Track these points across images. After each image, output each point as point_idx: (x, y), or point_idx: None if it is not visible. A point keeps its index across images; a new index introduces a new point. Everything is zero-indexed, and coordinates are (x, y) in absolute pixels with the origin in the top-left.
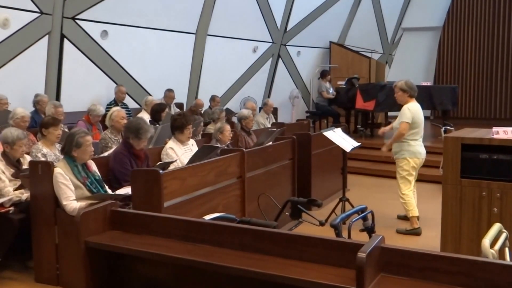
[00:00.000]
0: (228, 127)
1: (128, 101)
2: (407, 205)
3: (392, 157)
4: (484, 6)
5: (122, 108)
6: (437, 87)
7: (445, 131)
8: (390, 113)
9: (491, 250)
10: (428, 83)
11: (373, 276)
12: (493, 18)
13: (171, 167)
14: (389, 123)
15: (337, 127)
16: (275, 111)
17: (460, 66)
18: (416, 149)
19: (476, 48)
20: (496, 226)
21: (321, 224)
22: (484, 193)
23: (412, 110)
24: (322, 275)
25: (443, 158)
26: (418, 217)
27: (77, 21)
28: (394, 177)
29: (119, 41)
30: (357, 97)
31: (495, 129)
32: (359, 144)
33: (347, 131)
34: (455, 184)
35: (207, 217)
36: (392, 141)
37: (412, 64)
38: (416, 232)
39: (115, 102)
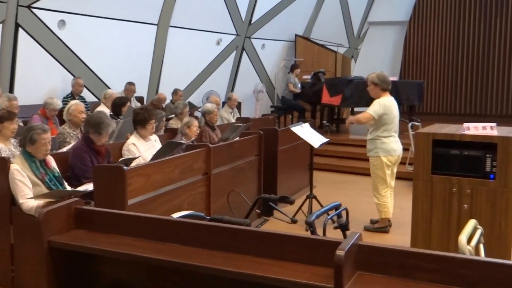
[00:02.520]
0: (195, 122)
1: (85, 94)
2: (381, 206)
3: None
4: (450, 0)
5: (80, 101)
6: (403, 82)
7: (412, 127)
8: (356, 109)
9: (468, 247)
10: (394, 78)
11: (351, 274)
12: (459, 13)
13: (134, 163)
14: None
15: (304, 122)
16: (239, 106)
17: (426, 61)
18: (390, 146)
19: (442, 42)
20: (472, 223)
21: (293, 221)
22: (454, 189)
23: (384, 105)
24: (299, 274)
25: (415, 154)
26: (389, 220)
27: (33, 9)
28: (362, 174)
29: (77, 32)
30: (323, 92)
31: (465, 124)
32: (328, 140)
33: (313, 126)
34: (426, 180)
35: (176, 215)
36: (354, 118)
37: (378, 59)
38: (384, 230)
39: (72, 95)
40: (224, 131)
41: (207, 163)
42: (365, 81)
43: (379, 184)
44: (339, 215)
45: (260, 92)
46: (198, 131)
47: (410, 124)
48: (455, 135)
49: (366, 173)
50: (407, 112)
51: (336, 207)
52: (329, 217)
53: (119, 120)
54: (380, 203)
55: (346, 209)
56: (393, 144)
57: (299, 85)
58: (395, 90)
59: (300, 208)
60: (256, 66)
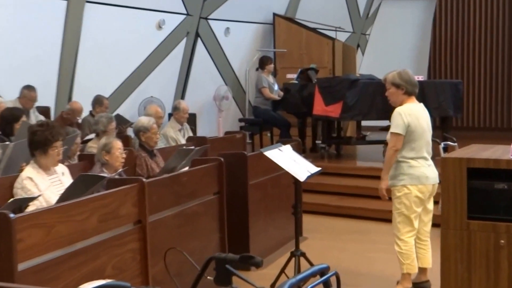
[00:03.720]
0: (118, 144)
1: None
2: (403, 256)
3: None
4: None
5: None
6: (433, 83)
7: (446, 149)
8: (364, 123)
9: None
10: (420, 77)
11: None
12: None
13: (30, 207)
14: (362, 136)
15: (285, 143)
16: (192, 120)
17: (466, 52)
18: (421, 172)
19: (490, 24)
20: None
21: None
22: (502, 241)
23: (407, 114)
24: None
25: (442, 189)
26: (426, 281)
27: None
28: (375, 218)
29: None
30: (316, 98)
31: None
32: (319, 169)
33: (301, 149)
34: (459, 228)
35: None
36: (385, 169)
37: (396, 49)
38: None
39: None
40: (169, 158)
41: (141, 206)
42: (377, 81)
43: (400, 226)
44: (326, 284)
45: (224, 100)
46: (124, 157)
47: (442, 145)
48: (501, 161)
49: (382, 217)
50: (439, 126)
51: (322, 272)
52: (310, 286)
53: (8, 143)
54: (402, 252)
55: (336, 274)
56: (425, 169)
57: (275, 88)
58: (421, 94)
59: (282, 271)
60: (217, 60)
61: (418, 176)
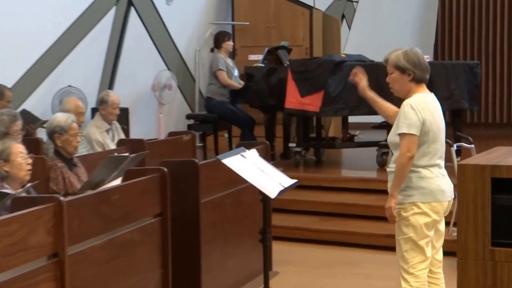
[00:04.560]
0: (18, 147)
1: None
2: None
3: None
4: None
5: None
6: (443, 65)
7: (459, 152)
8: (352, 119)
9: None
10: (426, 58)
11: None
12: None
13: None
14: (350, 137)
15: (249, 147)
16: (124, 117)
17: (483, 26)
18: (435, 185)
19: None
20: None
21: None
22: None
23: (421, 109)
24: None
25: (458, 206)
26: None
27: None
28: (366, 246)
29: None
30: (288, 87)
31: None
32: (295, 181)
33: (269, 154)
34: (481, 258)
35: None
36: (396, 183)
37: (393, 21)
38: None
39: None
40: (94, 169)
41: (58, 234)
42: (368, 64)
43: (408, 254)
44: None
45: (166, 89)
46: (30, 163)
47: (455, 147)
48: None
49: (377, 244)
50: (450, 122)
51: None
52: None
53: None
54: None
55: None
56: (441, 181)
57: (235, 73)
58: (429, 80)
59: None
60: (157, 37)
61: (432, 190)
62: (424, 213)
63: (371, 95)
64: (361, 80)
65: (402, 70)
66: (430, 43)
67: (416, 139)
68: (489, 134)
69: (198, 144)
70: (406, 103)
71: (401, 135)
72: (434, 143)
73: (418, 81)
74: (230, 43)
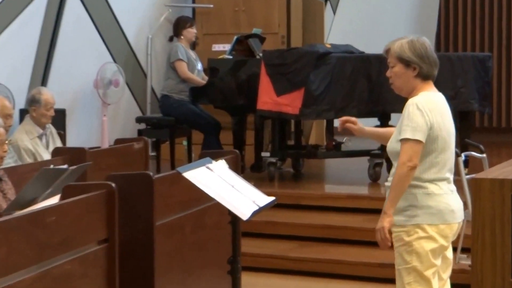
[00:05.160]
0: None
1: None
2: None
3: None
4: None
5: None
6: (448, 57)
7: (467, 162)
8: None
9: None
10: None
11: None
12: None
13: None
14: (336, 145)
15: (216, 157)
16: (60, 119)
17: (495, 12)
18: (444, 204)
19: None
20: None
21: None
22: None
23: (428, 110)
24: None
25: (473, 229)
26: None
27: None
28: (355, 278)
29: None
30: (262, 84)
31: None
32: (272, 199)
33: (239, 165)
34: None
35: None
36: (392, 199)
37: (386, 5)
38: None
39: None
40: (25, 183)
41: None
42: (358, 56)
43: None
44: None
45: (112, 86)
46: None
47: (463, 157)
48: None
49: (370, 275)
50: (456, 127)
51: None
52: None
53: None
54: None
55: None
56: (450, 199)
57: (198, 67)
58: None
59: None
60: (100, 22)
61: (441, 210)
62: (430, 238)
63: (370, 130)
64: (353, 123)
65: (406, 63)
66: (431, 31)
67: (421, 147)
68: (503, 141)
69: (151, 153)
70: (411, 102)
71: (404, 140)
72: (444, 153)
73: (424, 77)
74: (193, 30)
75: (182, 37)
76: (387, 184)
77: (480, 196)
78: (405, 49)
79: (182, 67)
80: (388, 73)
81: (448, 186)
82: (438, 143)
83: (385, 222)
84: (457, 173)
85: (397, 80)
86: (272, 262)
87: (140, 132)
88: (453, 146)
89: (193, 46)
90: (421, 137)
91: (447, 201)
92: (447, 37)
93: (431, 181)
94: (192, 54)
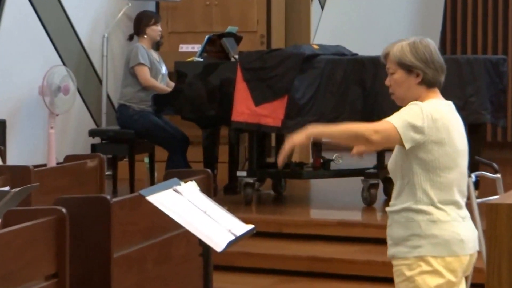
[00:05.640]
0: None
1: None
2: None
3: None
4: None
5: None
6: (456, 61)
7: (477, 183)
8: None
9: None
10: None
11: None
12: None
13: None
14: (324, 163)
15: (183, 176)
16: None
17: (510, 7)
18: (451, 232)
19: None
20: None
21: None
22: None
23: (431, 118)
24: None
25: (487, 264)
26: None
27: None
28: None
29: None
30: (238, 92)
31: None
32: (251, 227)
33: (212, 187)
34: None
35: None
36: (331, 131)
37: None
38: None
39: None
40: None
41: None
42: (350, 59)
43: None
44: None
45: (61, 94)
46: None
47: (473, 177)
48: None
49: None
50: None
51: None
52: None
53: None
54: None
55: None
56: (459, 227)
57: (163, 71)
58: None
59: None
60: (47, 19)
61: (448, 240)
62: (435, 272)
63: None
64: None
65: (408, 69)
66: (436, 29)
67: (396, 137)
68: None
69: (107, 172)
70: (414, 102)
71: (388, 120)
72: (449, 171)
73: (430, 84)
74: (157, 28)
75: (145, 36)
76: (388, 209)
77: (497, 224)
78: (407, 52)
79: (144, 73)
80: (387, 81)
81: (457, 212)
82: (440, 160)
83: (298, 134)
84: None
85: (398, 89)
86: None
87: (94, 148)
88: (463, 164)
89: (157, 46)
90: (401, 127)
91: (455, 230)
92: (454, 36)
93: (436, 205)
94: (156, 56)
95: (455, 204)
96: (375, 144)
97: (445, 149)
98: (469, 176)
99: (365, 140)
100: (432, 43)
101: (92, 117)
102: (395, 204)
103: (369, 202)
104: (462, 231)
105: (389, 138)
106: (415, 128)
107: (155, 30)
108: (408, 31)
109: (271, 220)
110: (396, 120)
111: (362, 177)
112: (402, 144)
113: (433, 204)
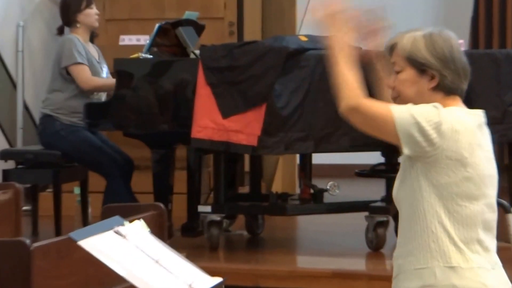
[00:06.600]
0: None
1: None
2: None
3: None
4: None
5: None
6: (491, 56)
7: None
8: (320, 159)
9: None
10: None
11: None
12: None
13: None
14: (315, 193)
15: (127, 213)
16: None
17: None
18: (475, 282)
19: None
20: None
21: None
22: None
23: (450, 128)
24: None
25: None
26: None
27: None
28: None
29: None
30: (199, 98)
31: None
32: (220, 280)
33: (166, 226)
34: None
35: None
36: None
37: None
38: None
39: None
40: None
41: None
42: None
43: None
44: None
45: None
46: None
47: None
48: None
49: None
50: (503, 164)
51: None
52: None
53: None
54: None
55: None
56: (487, 276)
57: (104, 72)
58: None
59: None
60: None
61: None
62: None
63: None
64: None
65: (420, 67)
66: (465, 17)
67: (389, 131)
68: None
69: (25, 207)
70: (432, 104)
71: (385, 105)
72: (473, 201)
73: (448, 90)
74: (93, 11)
75: (77, 25)
76: (394, 254)
77: None
78: (420, 46)
79: (84, 74)
80: (390, 82)
81: (485, 256)
82: (461, 186)
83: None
84: (503, 237)
85: (405, 91)
86: None
87: (6, 175)
88: (491, 194)
89: (91, 38)
90: (404, 129)
91: (481, 279)
92: (490, 25)
93: (456, 244)
94: (94, 52)
95: (481, 245)
96: (352, 121)
97: (467, 171)
98: (509, 211)
99: (345, 104)
100: (455, 38)
101: (3, 133)
102: (401, 245)
103: (375, 246)
104: (491, 281)
105: (379, 127)
106: (423, 131)
107: (89, 15)
108: (421, 19)
109: (244, 271)
110: (399, 111)
111: (366, 213)
112: (399, 145)
113: (452, 243)
